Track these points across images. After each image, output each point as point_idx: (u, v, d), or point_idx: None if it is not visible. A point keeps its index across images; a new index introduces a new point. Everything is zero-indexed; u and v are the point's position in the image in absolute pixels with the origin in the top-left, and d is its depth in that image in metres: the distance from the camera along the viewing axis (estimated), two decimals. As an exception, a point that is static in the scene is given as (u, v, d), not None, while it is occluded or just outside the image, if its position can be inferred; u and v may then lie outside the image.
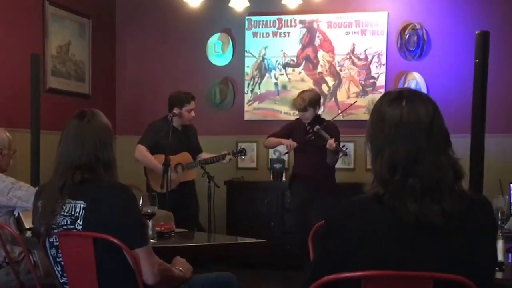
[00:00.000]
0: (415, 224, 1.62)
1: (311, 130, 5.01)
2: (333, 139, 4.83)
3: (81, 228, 2.36)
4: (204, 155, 5.33)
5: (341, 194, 5.19)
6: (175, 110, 5.14)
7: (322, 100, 5.36)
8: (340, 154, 4.92)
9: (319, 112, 5.23)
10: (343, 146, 4.95)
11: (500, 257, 2.35)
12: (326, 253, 1.78)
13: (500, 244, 2.40)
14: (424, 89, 6.20)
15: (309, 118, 5.06)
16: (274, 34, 6.78)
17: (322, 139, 4.91)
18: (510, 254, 2.52)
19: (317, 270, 1.75)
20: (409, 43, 6.37)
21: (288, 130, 5.30)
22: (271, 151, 6.66)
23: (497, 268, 2.24)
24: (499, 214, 2.92)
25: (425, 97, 1.77)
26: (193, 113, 5.21)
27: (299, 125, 5.22)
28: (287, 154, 5.38)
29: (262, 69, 6.81)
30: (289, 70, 6.76)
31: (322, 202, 4.90)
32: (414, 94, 1.76)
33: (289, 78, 6.75)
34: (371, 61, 6.53)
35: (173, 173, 5.10)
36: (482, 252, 1.69)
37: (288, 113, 6.69)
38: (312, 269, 1.80)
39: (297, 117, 5.32)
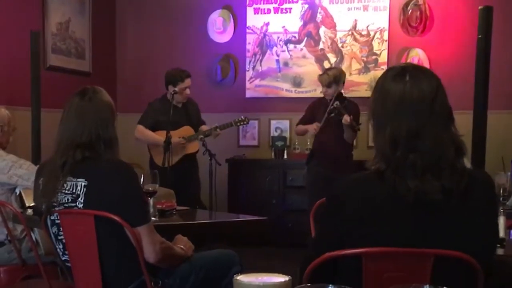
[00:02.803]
0: (415, 201, 1.62)
1: (331, 106, 5.04)
2: (346, 116, 4.90)
3: (82, 206, 2.36)
4: (204, 127, 5.35)
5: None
6: (170, 88, 5.15)
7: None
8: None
9: (342, 90, 5.26)
10: (360, 124, 5.00)
11: (501, 234, 2.35)
12: (327, 230, 1.78)
13: (501, 221, 2.39)
14: (426, 65, 6.15)
15: (332, 94, 5.09)
16: (276, 10, 6.73)
17: (341, 114, 4.95)
18: (511, 231, 2.51)
19: (318, 247, 1.75)
20: (412, 19, 6.32)
21: (311, 112, 5.34)
22: (272, 128, 6.68)
23: (498, 245, 2.24)
24: (501, 191, 2.91)
25: (429, 73, 1.75)
26: (187, 91, 5.20)
27: (320, 104, 5.25)
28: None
29: (264, 45, 6.77)
30: (291, 46, 6.71)
31: None
32: (417, 70, 1.75)
33: (290, 55, 6.71)
34: (373, 37, 6.48)
35: (177, 141, 5.10)
36: (483, 229, 1.69)
37: (290, 90, 6.67)
38: (313, 246, 1.80)
39: (312, 96, 5.34)
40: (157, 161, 5.20)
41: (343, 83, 5.24)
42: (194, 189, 5.36)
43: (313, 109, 5.32)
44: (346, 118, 4.91)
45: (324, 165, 5.10)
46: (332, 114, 5.05)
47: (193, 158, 5.39)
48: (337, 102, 5.02)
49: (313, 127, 5.18)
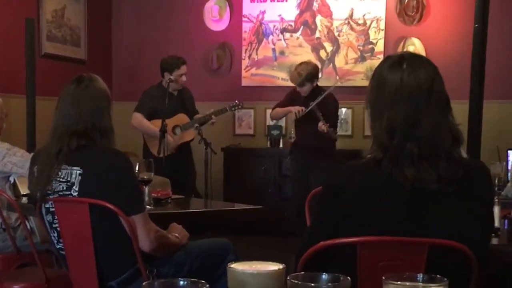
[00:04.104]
0: (411, 190, 1.62)
1: (307, 106, 4.96)
2: (321, 123, 4.79)
3: (77, 194, 2.35)
4: (198, 117, 5.34)
5: (341, 161, 5.19)
6: (166, 75, 5.13)
7: (320, 68, 5.28)
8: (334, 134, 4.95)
9: (317, 83, 5.13)
10: (336, 127, 4.95)
11: (496, 223, 2.35)
12: (322, 218, 1.78)
13: (496, 210, 2.40)
14: (423, 55, 6.13)
15: (307, 92, 5.02)
16: (272, -2, 6.71)
17: (317, 119, 4.88)
18: (506, 220, 2.52)
19: (313, 236, 1.75)
20: (408, 8, 6.30)
21: (290, 100, 5.25)
22: (268, 117, 6.65)
23: (493, 234, 2.24)
24: (496, 181, 2.91)
25: (426, 61, 1.75)
26: (184, 78, 5.19)
27: (298, 95, 5.16)
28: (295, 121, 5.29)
29: (260, 34, 6.75)
30: (287, 35, 6.69)
31: (321, 169, 4.90)
32: (415, 58, 1.75)
33: (286, 44, 6.69)
34: (370, 26, 6.46)
35: (171, 137, 5.11)
36: (479, 218, 1.69)
37: (286, 79, 6.64)
38: (308, 235, 1.80)
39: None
40: (153, 151, 5.18)
41: (317, 78, 5.11)
42: (189, 177, 5.36)
43: (293, 97, 5.22)
44: (322, 127, 4.81)
45: (306, 154, 5.09)
46: (309, 114, 4.94)
47: (188, 147, 5.38)
48: (312, 103, 4.90)
49: (297, 108, 5.00)
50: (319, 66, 6.06)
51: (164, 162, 4.78)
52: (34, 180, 2.48)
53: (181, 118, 5.27)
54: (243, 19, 6.77)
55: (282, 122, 6.64)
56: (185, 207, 3.50)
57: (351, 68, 6.50)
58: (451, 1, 6.28)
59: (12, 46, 5.39)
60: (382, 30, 6.43)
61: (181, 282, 1.02)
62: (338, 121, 5.18)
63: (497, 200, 2.48)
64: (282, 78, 6.68)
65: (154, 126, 5.10)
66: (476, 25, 3.65)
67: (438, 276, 1.07)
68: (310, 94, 5.02)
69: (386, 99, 1.69)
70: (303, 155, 5.13)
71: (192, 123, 5.24)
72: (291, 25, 6.67)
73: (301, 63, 5.19)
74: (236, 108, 5.50)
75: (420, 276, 1.08)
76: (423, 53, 6.16)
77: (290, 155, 5.38)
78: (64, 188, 2.37)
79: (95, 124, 2.40)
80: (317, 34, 6.61)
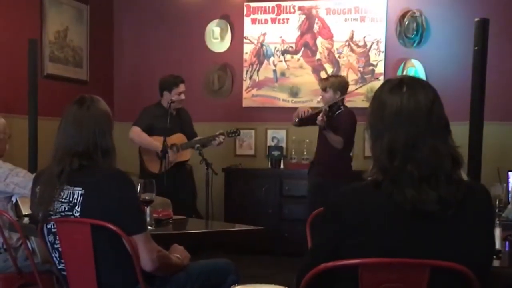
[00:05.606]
0: (412, 211, 1.63)
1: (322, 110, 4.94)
2: (321, 114, 4.75)
3: (79, 215, 2.35)
4: (197, 138, 5.38)
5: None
6: (165, 94, 5.21)
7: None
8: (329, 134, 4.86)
9: (340, 98, 4.97)
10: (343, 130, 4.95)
11: (497, 245, 2.35)
12: (324, 239, 1.78)
13: (497, 232, 2.40)
14: (423, 77, 6.17)
15: (327, 99, 4.98)
16: (273, 20, 6.75)
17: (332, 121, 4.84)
18: (507, 242, 2.52)
19: (315, 257, 1.75)
20: (408, 30, 6.34)
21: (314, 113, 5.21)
22: (269, 138, 6.69)
23: (494, 256, 2.24)
24: (497, 202, 2.92)
25: (425, 84, 1.77)
26: (182, 96, 5.25)
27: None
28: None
29: (261, 55, 6.79)
30: (288, 57, 6.73)
31: (333, 189, 4.84)
32: (414, 81, 1.77)
33: (287, 65, 6.73)
34: (370, 48, 6.50)
35: (169, 153, 5.13)
36: (480, 240, 1.69)
37: (287, 100, 6.68)
38: (310, 256, 1.81)
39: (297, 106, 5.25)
40: (149, 167, 5.21)
41: (342, 93, 5.00)
42: (186, 196, 5.38)
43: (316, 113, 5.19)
44: (319, 118, 4.75)
45: (321, 174, 5.07)
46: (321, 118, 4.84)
47: (183, 166, 5.42)
48: (325, 107, 4.88)
49: (302, 109, 4.97)
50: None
51: (165, 177, 4.81)
52: (36, 200, 2.48)
53: (180, 137, 5.31)
54: (244, 40, 6.81)
55: (283, 143, 6.66)
56: (186, 227, 3.50)
57: (352, 89, 6.51)
58: (450, 23, 6.32)
59: (15, 67, 5.42)
60: (382, 52, 6.46)
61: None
62: (350, 138, 5.09)
63: (498, 222, 2.48)
64: (283, 99, 6.71)
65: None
66: (476, 48, 3.67)
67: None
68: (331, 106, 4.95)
69: (386, 122, 1.71)
70: (318, 172, 5.11)
71: (190, 144, 5.27)
72: (292, 47, 6.72)
73: (335, 75, 5.44)
74: (233, 135, 5.51)
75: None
76: (423, 75, 6.20)
77: (308, 175, 5.32)
78: (66, 209, 2.38)
79: (97, 145, 2.41)
80: (318, 56, 6.64)
